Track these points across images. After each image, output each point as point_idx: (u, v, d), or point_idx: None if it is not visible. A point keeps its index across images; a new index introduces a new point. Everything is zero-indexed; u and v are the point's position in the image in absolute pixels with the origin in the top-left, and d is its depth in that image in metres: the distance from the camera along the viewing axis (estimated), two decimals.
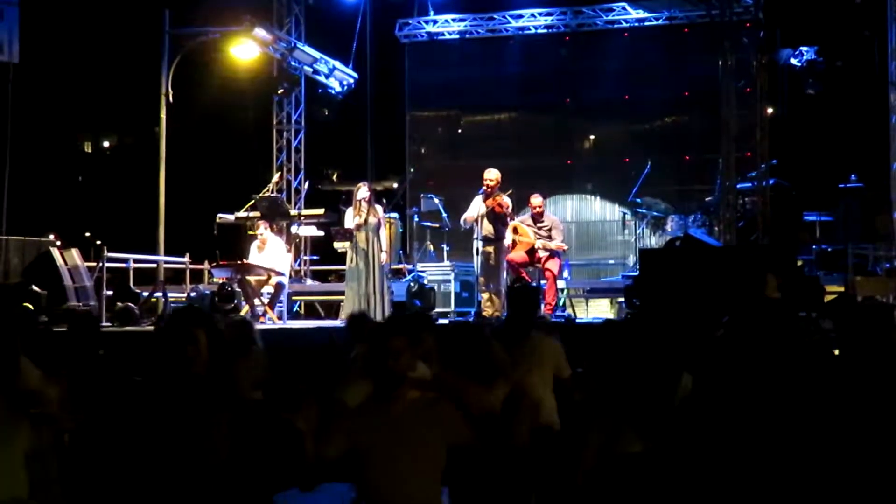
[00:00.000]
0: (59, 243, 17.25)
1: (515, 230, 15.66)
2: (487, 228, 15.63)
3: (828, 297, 13.74)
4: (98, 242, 20.40)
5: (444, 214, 17.41)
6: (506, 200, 15.49)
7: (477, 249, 15.57)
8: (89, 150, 46.11)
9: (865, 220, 17.50)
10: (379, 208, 15.98)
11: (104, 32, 23.85)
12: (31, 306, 15.20)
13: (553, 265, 15.51)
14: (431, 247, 18.81)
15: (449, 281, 16.63)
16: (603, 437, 7.15)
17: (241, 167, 21.88)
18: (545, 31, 21.64)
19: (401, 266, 17.26)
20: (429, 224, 18.59)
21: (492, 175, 15.66)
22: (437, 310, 15.74)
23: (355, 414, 5.84)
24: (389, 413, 5.66)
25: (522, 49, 21.67)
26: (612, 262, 18.26)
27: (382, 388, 5.77)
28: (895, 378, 6.49)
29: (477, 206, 15.73)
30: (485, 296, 15.69)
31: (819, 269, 15.80)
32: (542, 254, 15.49)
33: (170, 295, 17.36)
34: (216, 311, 14.30)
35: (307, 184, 21.59)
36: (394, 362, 5.77)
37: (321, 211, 18.71)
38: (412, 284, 16.39)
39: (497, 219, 15.61)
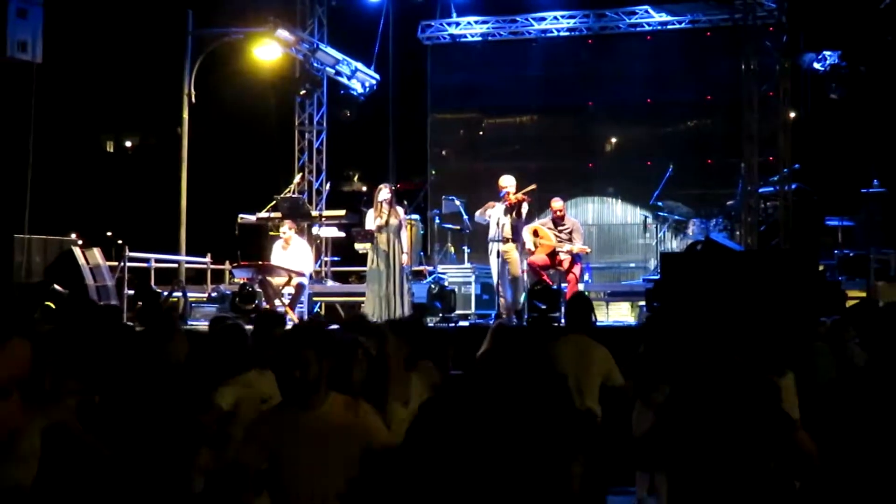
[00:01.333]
0: (81, 242, 17.27)
1: (536, 233, 15.58)
2: (498, 231, 15.54)
3: (850, 303, 13.62)
4: (120, 242, 20.42)
5: (465, 217, 17.34)
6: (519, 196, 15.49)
7: (498, 252, 15.49)
8: (112, 150, 46.31)
9: (888, 225, 17.37)
10: (400, 210, 15.94)
11: (127, 32, 23.93)
12: (52, 305, 15.19)
13: (575, 269, 15.42)
14: (452, 249, 18.77)
15: (470, 283, 16.62)
16: None
17: (263, 168, 21.87)
18: (567, 33, 21.63)
19: (421, 268, 17.21)
20: (449, 226, 18.57)
21: (507, 182, 15.60)
22: (457, 312, 15.67)
23: (270, 420, 5.86)
24: (302, 421, 5.64)
25: (545, 52, 21.67)
26: (632, 265, 18.22)
27: (294, 397, 5.75)
28: None
29: (490, 209, 15.66)
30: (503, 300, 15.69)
31: (841, 274, 15.67)
32: (563, 256, 15.41)
33: (190, 295, 17.33)
34: (236, 311, 14.25)
35: (328, 185, 21.55)
36: (302, 372, 5.72)
37: (342, 212, 18.66)
38: (433, 286, 16.32)
39: (518, 215, 15.56)
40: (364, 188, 27.16)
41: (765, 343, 8.13)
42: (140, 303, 16.75)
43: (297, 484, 5.79)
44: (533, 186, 15.66)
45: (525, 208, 15.52)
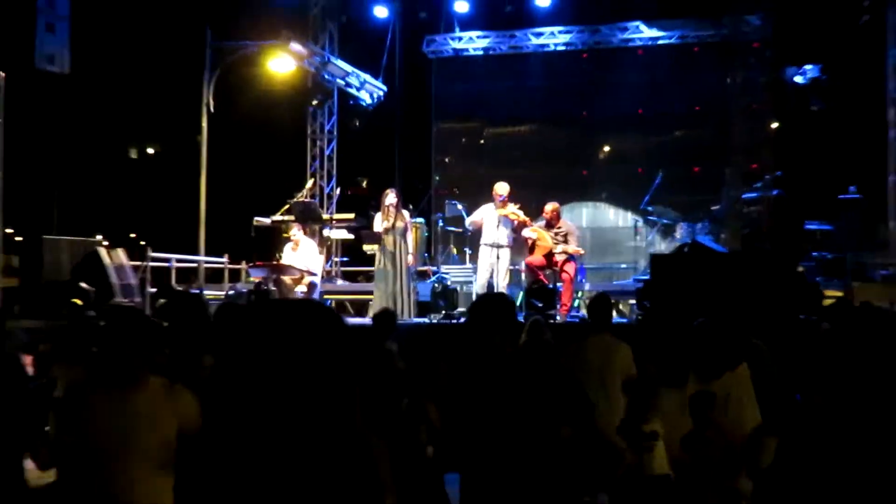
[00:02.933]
0: (106, 243, 17.39)
1: (535, 236, 15.72)
2: (499, 234, 15.74)
3: (826, 302, 13.79)
4: (142, 243, 20.52)
5: (466, 219, 17.47)
6: (521, 216, 15.65)
7: (497, 256, 15.69)
8: (135, 157, 46.33)
9: (864, 230, 17.52)
10: (406, 213, 16.09)
11: (150, 46, 24.01)
12: (79, 302, 15.32)
13: (569, 268, 15.53)
14: (455, 250, 18.90)
15: (471, 282, 16.73)
16: None
17: (277, 173, 21.97)
18: (564, 48, 21.70)
19: (426, 268, 17.37)
20: (452, 229, 18.65)
21: (501, 190, 15.83)
22: (459, 309, 15.80)
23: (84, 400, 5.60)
24: (124, 399, 5.47)
25: (542, 65, 21.77)
26: (624, 266, 18.28)
27: (117, 375, 5.59)
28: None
29: (483, 213, 15.91)
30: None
31: (819, 275, 15.78)
32: (559, 257, 15.53)
33: (208, 293, 17.46)
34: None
35: (338, 190, 21.65)
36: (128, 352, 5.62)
37: (351, 215, 18.75)
38: (436, 285, 16.41)
39: (514, 228, 15.79)
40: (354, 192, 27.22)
41: (739, 337, 8.35)
42: (161, 300, 16.94)
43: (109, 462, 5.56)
44: (519, 206, 15.90)
45: (516, 217, 15.76)
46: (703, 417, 6.83)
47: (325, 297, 17.41)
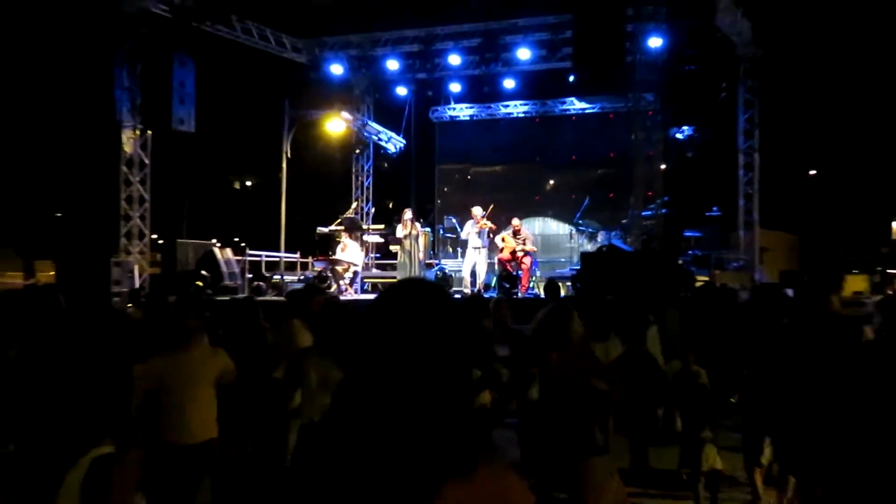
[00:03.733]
0: (218, 244, 17.41)
1: (504, 240, 15.85)
2: (479, 241, 15.96)
3: (698, 283, 13.91)
4: (242, 244, 20.56)
5: (459, 229, 17.54)
6: (490, 224, 15.94)
7: (478, 252, 15.86)
8: (237, 187, 46.37)
9: (722, 236, 17.70)
10: (418, 225, 16.27)
11: (248, 112, 23.99)
12: (201, 284, 15.43)
13: (527, 261, 15.63)
14: (451, 249, 18.95)
15: (461, 271, 16.78)
16: None
17: (332, 198, 21.98)
18: (523, 115, 21.65)
19: (431, 261, 17.42)
20: (449, 235, 18.77)
21: (476, 212, 16.08)
22: (454, 289, 15.91)
23: (156, 361, 5.27)
24: (181, 359, 5.24)
25: (508, 126, 21.69)
26: (563, 260, 18.25)
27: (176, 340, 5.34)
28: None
29: (469, 228, 16.20)
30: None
31: (692, 266, 15.89)
32: (520, 254, 15.62)
33: (287, 277, 17.58)
34: (317, 289, 14.50)
35: (373, 209, 21.73)
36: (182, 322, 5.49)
37: (382, 226, 18.86)
38: (438, 273, 16.60)
39: (485, 235, 15.98)
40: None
41: (640, 308, 8.46)
42: (256, 283, 17.06)
43: (180, 407, 5.29)
44: (492, 207, 16.02)
45: (487, 227, 15.94)
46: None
47: (364, 280, 17.47)
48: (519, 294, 14.70)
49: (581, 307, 9.27)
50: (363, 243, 17.60)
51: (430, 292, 1.81)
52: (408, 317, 1.76)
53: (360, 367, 1.76)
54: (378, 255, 18.69)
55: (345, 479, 1.66)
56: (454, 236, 18.13)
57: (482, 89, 21.23)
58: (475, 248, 16.14)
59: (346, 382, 1.79)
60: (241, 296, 14.95)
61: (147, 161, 17.49)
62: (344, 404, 1.75)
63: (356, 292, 16.23)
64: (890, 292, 15.61)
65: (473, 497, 1.62)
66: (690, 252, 16.93)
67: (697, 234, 17.79)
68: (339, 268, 16.32)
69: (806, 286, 5.84)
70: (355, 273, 16.63)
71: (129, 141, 17.31)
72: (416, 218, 16.64)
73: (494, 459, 1.68)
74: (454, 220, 18.19)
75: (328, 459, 1.70)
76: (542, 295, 15.62)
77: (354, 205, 20.75)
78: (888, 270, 19.73)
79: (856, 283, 21.54)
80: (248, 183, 45.86)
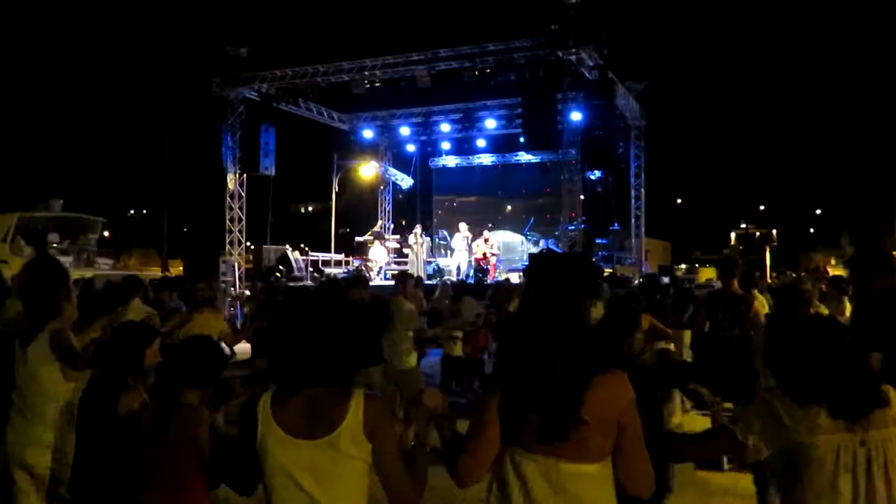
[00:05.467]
0: (289, 248, 17.33)
1: (478, 246, 15.77)
2: (463, 246, 15.87)
3: (606, 273, 13.84)
4: (306, 248, 20.53)
5: (449, 239, 17.44)
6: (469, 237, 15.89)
7: (462, 254, 15.76)
8: (303, 211, 46.40)
9: (620, 243, 17.65)
10: (422, 235, 16.20)
11: (309, 164, 24.02)
12: (279, 275, 15.32)
13: (493, 260, 15.61)
14: (443, 252, 18.77)
15: (450, 266, 16.67)
16: None
17: (365, 218, 21.93)
18: (490, 164, 21.33)
19: (430, 259, 17.32)
20: (442, 242, 18.59)
21: (462, 228, 16.13)
22: (445, 277, 15.82)
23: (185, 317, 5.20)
24: (196, 318, 5.00)
25: (482, 171, 21.39)
26: (517, 259, 18.14)
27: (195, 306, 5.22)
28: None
29: (457, 240, 16.16)
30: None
31: (602, 262, 15.86)
32: (489, 255, 15.58)
33: (336, 270, 17.48)
34: (358, 280, 14.41)
35: (392, 225, 21.63)
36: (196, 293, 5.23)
37: (398, 236, 18.71)
38: (435, 267, 16.46)
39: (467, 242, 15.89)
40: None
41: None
42: (316, 274, 16.95)
43: None
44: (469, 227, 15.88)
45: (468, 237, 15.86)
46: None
47: (386, 272, 17.41)
48: (488, 280, 14.61)
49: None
50: (386, 248, 17.48)
51: None
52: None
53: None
54: (395, 255, 18.62)
55: (533, 372, 1.74)
56: (446, 243, 17.99)
57: (463, 146, 21.24)
58: (461, 251, 16.08)
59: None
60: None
61: (243, 194, 17.41)
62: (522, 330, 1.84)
63: (381, 279, 16.14)
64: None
65: (608, 385, 1.72)
66: (600, 253, 16.87)
67: (605, 241, 17.75)
68: (370, 264, 16.27)
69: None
70: (380, 268, 16.55)
71: (231, 181, 17.26)
72: (421, 231, 16.54)
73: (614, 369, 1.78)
74: (445, 233, 18.04)
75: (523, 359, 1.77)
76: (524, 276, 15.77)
77: (380, 222, 20.62)
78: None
79: (708, 273, 21.53)
80: (311, 208, 46.11)
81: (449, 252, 17.40)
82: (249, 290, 13.64)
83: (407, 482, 1.75)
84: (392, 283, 9.33)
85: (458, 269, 16.16)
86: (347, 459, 1.70)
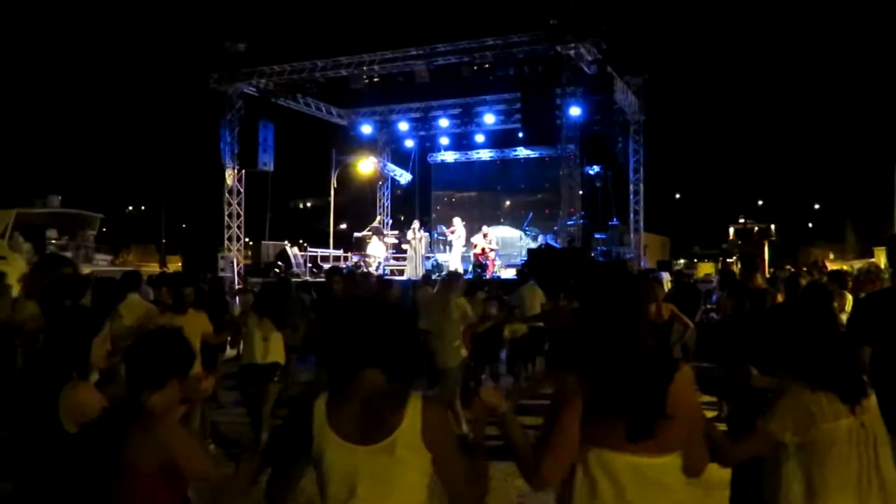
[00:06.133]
0: (288, 244, 17.29)
1: (477, 241, 15.75)
2: (461, 241, 15.83)
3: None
4: (304, 244, 20.50)
5: (446, 235, 17.41)
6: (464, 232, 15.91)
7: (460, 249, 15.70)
8: (301, 207, 46.27)
9: (619, 238, 17.60)
10: (421, 231, 16.13)
11: (308, 160, 23.92)
12: (278, 270, 15.29)
13: (492, 255, 15.58)
14: (441, 247, 18.80)
15: (448, 261, 16.65)
16: None
17: (363, 213, 21.88)
18: (489, 159, 21.39)
19: (429, 255, 17.29)
20: (440, 238, 18.55)
21: (456, 222, 16.13)
22: (443, 272, 15.79)
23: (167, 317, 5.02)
24: (178, 319, 4.77)
25: (481, 166, 21.41)
26: (516, 254, 18.12)
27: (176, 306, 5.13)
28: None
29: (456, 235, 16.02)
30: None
31: (600, 257, 15.82)
32: (488, 251, 15.55)
33: (331, 265, 17.44)
34: (356, 272, 14.37)
35: (391, 220, 21.58)
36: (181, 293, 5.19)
37: (396, 232, 18.73)
38: (434, 263, 16.41)
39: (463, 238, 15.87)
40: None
41: (568, 282, 8.24)
42: (314, 270, 16.90)
43: None
44: (464, 223, 15.76)
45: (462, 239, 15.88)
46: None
47: (386, 267, 17.38)
48: (487, 276, 14.58)
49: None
50: (384, 243, 17.45)
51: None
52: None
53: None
54: (394, 251, 18.63)
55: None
56: (443, 238, 17.95)
57: (462, 141, 21.21)
58: (458, 246, 16.06)
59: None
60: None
61: (241, 190, 17.37)
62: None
63: (381, 274, 16.10)
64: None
65: (682, 380, 1.79)
66: (599, 248, 16.83)
67: (603, 236, 17.67)
68: (369, 259, 16.23)
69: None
70: (379, 263, 16.51)
71: (230, 177, 17.22)
72: (419, 227, 16.50)
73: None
74: (443, 228, 17.97)
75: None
76: (500, 276, 15.75)
77: (378, 218, 20.57)
78: (727, 259, 19.80)
79: (706, 268, 21.46)
80: (309, 204, 46.00)
81: (448, 248, 17.41)
82: (242, 283, 13.64)
83: (471, 489, 1.72)
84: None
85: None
86: (403, 466, 1.67)
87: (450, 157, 21.81)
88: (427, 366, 5.67)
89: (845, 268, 16.13)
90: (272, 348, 5.38)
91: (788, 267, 18.79)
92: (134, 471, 1.84)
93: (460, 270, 16.02)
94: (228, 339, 5.84)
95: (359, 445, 1.67)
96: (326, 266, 17.17)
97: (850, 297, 6.06)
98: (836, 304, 5.66)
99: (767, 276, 12.48)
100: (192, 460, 1.93)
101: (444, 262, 16.77)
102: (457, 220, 16.21)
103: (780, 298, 5.62)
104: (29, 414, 2.29)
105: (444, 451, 1.69)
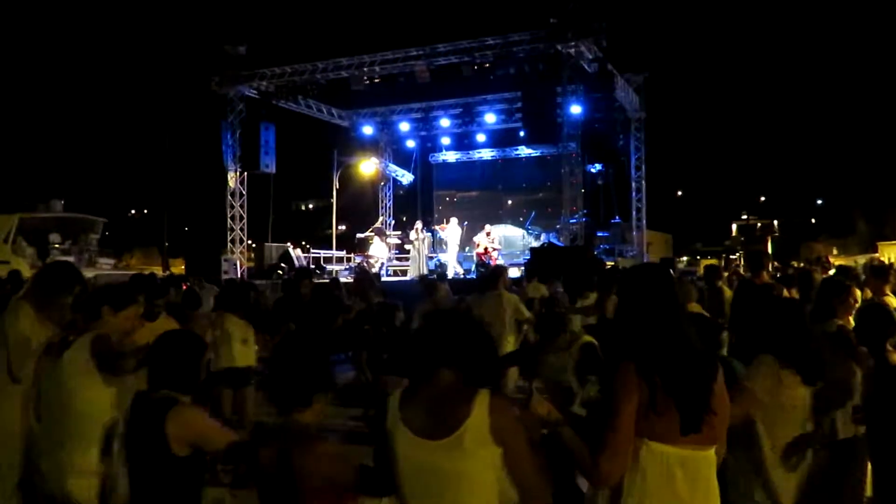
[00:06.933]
0: (290, 245, 17.29)
1: (480, 240, 15.76)
2: (457, 240, 15.80)
3: (607, 266, 13.80)
4: (307, 245, 20.50)
5: (438, 233, 17.39)
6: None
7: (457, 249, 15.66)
8: (303, 209, 46.28)
9: (622, 235, 17.58)
10: (424, 231, 16.12)
11: (310, 161, 23.92)
12: (281, 272, 15.28)
13: (495, 254, 15.57)
14: (444, 246, 18.82)
15: (449, 261, 16.65)
16: None
17: (366, 214, 21.87)
18: (490, 158, 21.36)
19: (432, 255, 17.29)
20: (443, 239, 18.59)
21: (453, 220, 16.26)
22: (447, 272, 15.82)
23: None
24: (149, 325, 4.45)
25: (482, 166, 21.39)
26: (518, 253, 18.09)
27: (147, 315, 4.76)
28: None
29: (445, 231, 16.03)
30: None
31: (603, 255, 15.80)
32: (490, 250, 15.54)
33: (337, 267, 17.45)
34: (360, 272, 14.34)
35: (393, 221, 21.58)
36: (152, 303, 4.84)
37: (399, 232, 18.71)
38: (436, 263, 16.40)
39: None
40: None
41: (572, 283, 8.24)
42: (317, 271, 16.91)
43: None
44: (466, 223, 15.75)
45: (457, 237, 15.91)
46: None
47: (389, 267, 17.35)
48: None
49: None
50: (388, 244, 17.44)
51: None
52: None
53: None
54: (397, 251, 18.62)
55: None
56: (446, 239, 17.89)
57: (463, 141, 21.17)
58: (453, 245, 16.14)
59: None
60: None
61: (244, 192, 17.40)
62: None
63: (383, 275, 16.08)
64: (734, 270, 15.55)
65: (720, 378, 1.94)
66: (601, 246, 16.80)
67: (606, 234, 17.66)
68: (371, 260, 16.22)
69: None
70: (381, 264, 16.51)
71: (232, 179, 17.24)
72: (422, 227, 16.50)
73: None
74: (436, 228, 17.78)
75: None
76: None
77: (381, 218, 20.56)
78: (730, 256, 19.78)
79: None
80: (311, 205, 46.04)
81: (446, 247, 17.41)
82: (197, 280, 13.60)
83: (541, 483, 1.75)
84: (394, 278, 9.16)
85: (454, 263, 16.11)
86: (472, 460, 1.69)
87: (451, 156, 21.78)
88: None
89: (852, 262, 16.07)
90: (250, 352, 5.21)
91: (794, 263, 18.73)
92: (310, 491, 1.84)
93: (459, 270, 16.11)
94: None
95: (429, 440, 1.71)
96: (330, 267, 17.23)
97: (857, 293, 6.03)
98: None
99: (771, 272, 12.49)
100: (349, 476, 1.90)
101: (447, 261, 16.78)
102: (453, 220, 16.26)
103: (786, 294, 5.63)
104: (136, 438, 2.24)
105: (514, 445, 1.72)
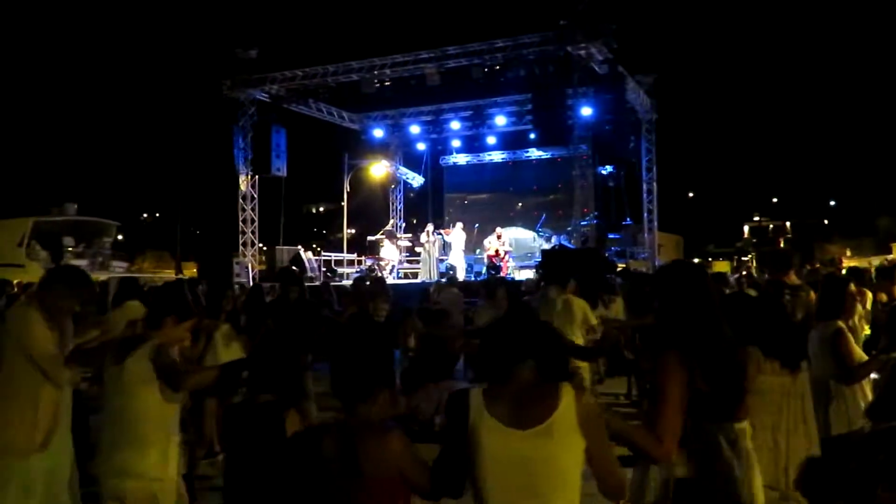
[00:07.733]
0: (301, 248, 17.35)
1: (491, 243, 15.75)
2: (461, 244, 15.77)
3: (619, 269, 13.75)
4: (318, 248, 20.55)
5: (443, 237, 17.36)
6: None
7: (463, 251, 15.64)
8: (314, 212, 46.40)
9: (633, 237, 17.50)
10: (434, 234, 16.12)
11: (321, 165, 23.99)
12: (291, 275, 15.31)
13: (507, 257, 15.56)
14: (453, 249, 18.83)
15: (458, 264, 16.61)
16: None
17: (377, 217, 21.88)
18: (501, 160, 21.36)
19: (442, 257, 17.30)
20: (448, 242, 18.57)
21: (458, 225, 16.40)
22: (456, 274, 15.78)
23: None
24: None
25: (493, 168, 21.38)
26: (529, 255, 18.08)
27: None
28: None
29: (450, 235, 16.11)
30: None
31: (615, 257, 15.74)
32: (501, 252, 15.53)
33: (348, 270, 17.49)
34: (369, 276, 14.38)
35: (404, 224, 21.60)
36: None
37: (409, 235, 18.70)
38: (446, 266, 16.39)
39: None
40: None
41: (585, 286, 8.20)
42: (329, 274, 16.96)
43: None
44: (476, 225, 15.74)
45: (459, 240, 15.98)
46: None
47: (400, 270, 17.36)
48: (500, 275, 14.52)
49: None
50: (399, 246, 17.47)
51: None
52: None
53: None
54: (408, 254, 18.63)
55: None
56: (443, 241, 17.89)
57: (473, 143, 21.17)
58: (458, 249, 16.14)
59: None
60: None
61: (255, 195, 17.49)
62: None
63: (394, 278, 16.11)
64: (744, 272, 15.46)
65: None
66: (613, 248, 16.75)
67: (617, 237, 17.61)
68: (383, 263, 16.25)
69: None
70: (392, 266, 16.52)
71: (243, 182, 17.32)
72: (433, 230, 16.51)
73: None
74: (440, 232, 17.76)
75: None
76: (514, 278, 15.66)
77: (391, 221, 20.59)
78: (742, 258, 19.64)
79: (721, 266, 21.29)
80: (322, 208, 46.15)
81: (453, 250, 17.41)
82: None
83: (622, 475, 1.86)
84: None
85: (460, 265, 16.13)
86: (562, 448, 1.74)
87: (462, 159, 21.80)
88: None
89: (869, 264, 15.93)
90: (234, 355, 5.13)
91: (807, 266, 18.58)
92: (374, 482, 1.84)
93: (462, 273, 16.07)
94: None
95: (519, 430, 1.74)
96: (341, 270, 17.25)
97: (869, 295, 5.95)
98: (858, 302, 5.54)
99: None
100: (417, 471, 1.91)
101: (455, 264, 16.80)
102: (458, 224, 16.33)
103: (812, 296, 5.47)
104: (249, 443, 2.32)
105: (598, 437, 1.78)
